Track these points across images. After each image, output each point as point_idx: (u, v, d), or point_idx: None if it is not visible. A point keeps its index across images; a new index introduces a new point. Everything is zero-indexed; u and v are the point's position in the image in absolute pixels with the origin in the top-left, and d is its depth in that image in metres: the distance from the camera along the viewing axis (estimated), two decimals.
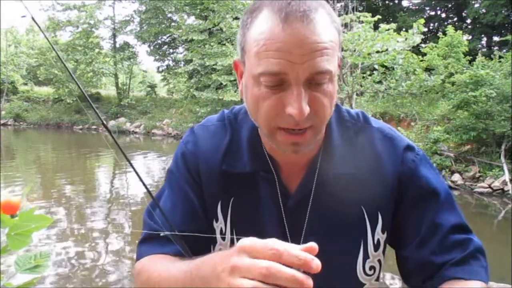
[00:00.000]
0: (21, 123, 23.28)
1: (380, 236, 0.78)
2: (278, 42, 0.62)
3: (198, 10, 20.03)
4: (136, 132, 20.99)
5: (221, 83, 17.42)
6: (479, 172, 9.31)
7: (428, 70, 12.04)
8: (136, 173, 0.77)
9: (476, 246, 0.74)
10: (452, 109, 9.93)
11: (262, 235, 0.72)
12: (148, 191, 0.76)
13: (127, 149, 16.45)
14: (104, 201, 7.96)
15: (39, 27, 0.84)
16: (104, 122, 0.82)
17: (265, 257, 0.50)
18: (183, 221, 0.79)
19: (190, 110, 19.97)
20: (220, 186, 0.80)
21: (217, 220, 0.81)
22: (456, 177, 9.26)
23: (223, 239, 0.81)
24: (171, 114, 21.58)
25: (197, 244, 0.76)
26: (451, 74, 11.43)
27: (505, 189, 8.62)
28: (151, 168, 12.14)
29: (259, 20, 0.65)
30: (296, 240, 0.76)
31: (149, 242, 0.81)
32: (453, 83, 10.56)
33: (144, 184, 0.76)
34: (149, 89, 25.59)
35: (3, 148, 15.30)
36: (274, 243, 0.51)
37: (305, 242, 0.70)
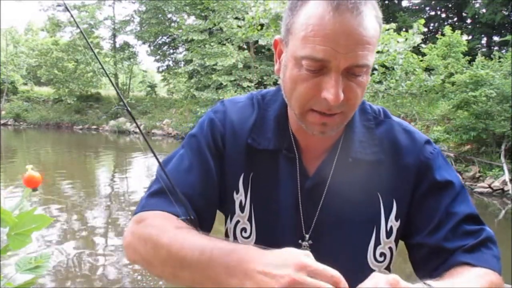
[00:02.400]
0: (21, 123, 23.28)
1: (394, 223, 0.80)
2: (326, 30, 0.64)
3: (198, 10, 20.03)
4: (136, 132, 20.98)
5: (221, 83, 17.42)
6: (479, 172, 9.31)
7: (428, 70, 12.05)
8: (169, 179, 0.78)
9: (489, 236, 0.76)
10: (452, 109, 9.94)
11: (277, 213, 0.80)
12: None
13: (127, 149, 16.46)
14: (104, 201, 7.97)
15: (76, 22, 0.86)
16: (140, 127, 0.91)
17: (325, 281, 0.51)
18: (198, 182, 0.79)
19: (190, 110, 19.97)
20: (244, 159, 0.82)
21: (237, 192, 0.82)
22: None
23: (242, 211, 0.82)
24: (171, 114, 21.58)
25: (207, 210, 0.79)
26: (451, 74, 11.43)
27: (505, 189, 8.62)
28: (151, 168, 12.14)
29: (310, 5, 0.67)
30: (309, 221, 0.79)
31: (157, 196, 0.77)
32: (453, 83, 10.56)
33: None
34: (149, 89, 25.60)
35: (3, 148, 15.30)
36: (333, 271, 0.53)
37: (318, 223, 0.79)
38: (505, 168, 8.85)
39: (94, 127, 22.29)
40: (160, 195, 0.77)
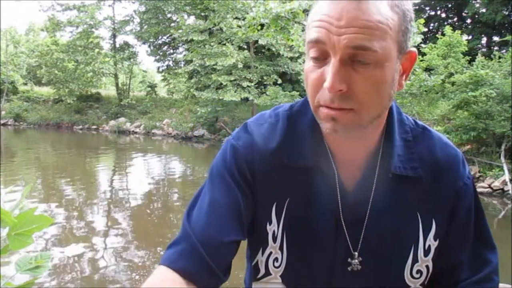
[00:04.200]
0: (21, 123, 23.28)
1: (432, 242, 0.78)
2: (321, 14, 0.64)
3: (198, 10, 20.03)
4: (136, 132, 20.99)
5: (221, 83, 17.42)
6: (479, 172, 9.31)
7: (428, 70, 12.05)
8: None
9: (494, 268, 0.80)
10: (452, 109, 9.94)
11: (314, 233, 0.76)
12: None
13: (127, 149, 16.46)
14: (104, 201, 7.97)
15: None
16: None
17: None
18: (221, 223, 0.73)
19: (190, 110, 19.97)
20: (277, 184, 0.76)
21: (270, 223, 0.77)
22: None
23: (274, 241, 0.78)
24: (171, 114, 21.59)
25: (229, 251, 0.74)
26: (451, 74, 11.43)
27: (505, 189, 8.62)
28: (151, 168, 12.14)
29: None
30: (355, 239, 0.76)
31: (175, 246, 0.73)
32: (453, 83, 10.56)
33: None
34: (149, 89, 25.60)
35: (3, 148, 15.30)
36: None
37: (364, 241, 0.75)
38: (505, 168, 8.85)
39: (94, 127, 22.29)
40: (174, 245, 0.73)
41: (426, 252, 0.78)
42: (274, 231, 0.77)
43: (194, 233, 0.72)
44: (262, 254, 0.79)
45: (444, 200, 0.77)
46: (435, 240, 0.78)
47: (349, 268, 0.75)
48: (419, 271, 0.79)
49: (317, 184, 0.75)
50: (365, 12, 0.62)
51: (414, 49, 0.69)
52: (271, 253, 0.78)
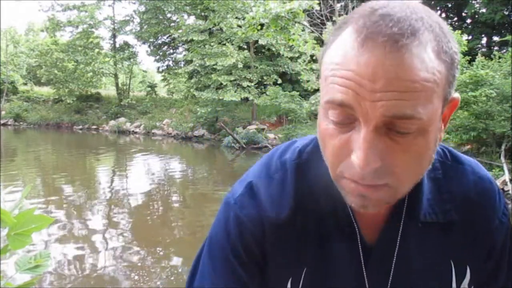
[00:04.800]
0: (21, 123, 23.29)
1: None
2: (347, 69, 0.49)
3: (198, 10, 20.04)
4: (136, 132, 20.99)
5: (221, 83, 17.43)
6: None
7: None
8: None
9: None
10: None
11: None
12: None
13: (127, 149, 16.46)
14: (104, 201, 7.97)
15: None
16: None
17: None
18: None
19: (190, 110, 19.98)
20: (292, 255, 0.65)
21: None
22: None
23: None
24: (171, 114, 21.60)
25: None
26: None
27: (505, 189, 8.62)
28: (151, 168, 12.14)
29: (339, 38, 0.53)
30: None
31: None
32: None
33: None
34: (149, 89, 25.62)
35: (3, 148, 15.30)
36: None
37: None
38: (505, 168, 8.86)
39: (94, 127, 22.30)
40: None
41: None
42: None
43: None
44: None
45: (479, 244, 0.69)
46: (469, 287, 0.70)
47: None
48: None
49: (337, 247, 0.65)
50: (408, 69, 0.48)
51: (457, 95, 0.57)
52: None
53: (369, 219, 0.65)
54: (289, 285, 0.66)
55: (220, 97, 16.97)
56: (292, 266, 0.66)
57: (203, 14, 19.93)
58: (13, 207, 1.02)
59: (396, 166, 0.52)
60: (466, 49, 12.83)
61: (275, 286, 0.67)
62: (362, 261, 0.65)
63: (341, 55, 0.51)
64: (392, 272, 0.66)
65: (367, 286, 0.66)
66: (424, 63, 0.48)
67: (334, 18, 12.33)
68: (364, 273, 0.66)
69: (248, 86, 17.45)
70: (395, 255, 0.65)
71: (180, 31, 20.23)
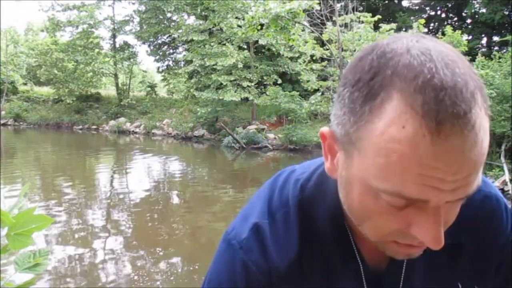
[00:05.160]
0: (21, 123, 23.29)
1: None
2: (425, 162, 0.43)
3: (198, 10, 20.03)
4: (136, 132, 20.99)
5: (221, 83, 17.42)
6: None
7: None
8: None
9: None
10: None
11: None
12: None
13: (127, 149, 16.46)
14: (104, 201, 7.96)
15: None
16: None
17: None
18: None
19: (190, 110, 19.97)
20: None
21: None
22: None
23: None
24: (171, 114, 21.60)
25: None
26: None
27: (505, 189, 8.61)
28: (151, 168, 12.13)
29: (388, 116, 0.44)
30: None
31: None
32: None
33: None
34: (149, 89, 25.61)
35: (3, 148, 15.30)
36: None
37: None
38: (505, 168, 8.86)
39: (94, 127, 22.30)
40: None
41: None
42: None
43: None
44: None
45: (487, 263, 0.67)
46: None
47: None
48: None
49: (340, 280, 0.63)
50: (480, 147, 0.43)
51: None
52: None
53: (375, 252, 0.62)
54: None
55: (220, 97, 16.97)
56: None
57: (203, 14, 19.93)
58: (12, 206, 1.02)
59: (448, 223, 0.50)
60: (466, 49, 12.84)
61: None
62: None
63: (409, 145, 0.42)
64: None
65: None
66: (487, 130, 0.44)
67: (334, 18, 12.33)
68: None
69: (248, 86, 17.45)
70: (401, 282, 0.63)
71: (180, 31, 20.24)
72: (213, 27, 18.22)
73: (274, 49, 17.20)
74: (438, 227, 0.46)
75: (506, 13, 17.36)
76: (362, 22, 12.01)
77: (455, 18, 21.88)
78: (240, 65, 17.14)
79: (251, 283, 0.61)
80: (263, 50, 18.70)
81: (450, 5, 21.52)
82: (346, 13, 12.46)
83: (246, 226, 0.64)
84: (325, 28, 12.45)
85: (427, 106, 0.41)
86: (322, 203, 0.63)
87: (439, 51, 0.44)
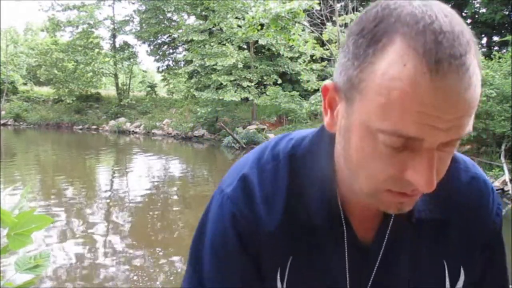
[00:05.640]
0: (21, 123, 23.29)
1: None
2: (423, 99, 0.45)
3: (198, 10, 20.04)
4: (136, 132, 21.00)
5: (221, 83, 17.43)
6: None
7: None
8: None
9: None
10: None
11: None
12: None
13: (127, 149, 16.46)
14: (104, 201, 7.97)
15: None
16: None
17: None
18: None
19: (190, 110, 19.98)
20: (282, 246, 0.65)
21: None
22: None
23: None
24: (171, 114, 21.60)
25: None
26: None
27: (505, 189, 8.62)
28: (151, 168, 12.13)
29: (391, 57, 0.46)
30: None
31: None
32: None
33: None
34: (149, 89, 25.62)
35: (3, 148, 15.30)
36: None
37: None
38: (505, 168, 8.86)
39: (94, 127, 22.31)
40: None
41: None
42: None
43: None
44: None
45: (472, 244, 0.67)
46: None
47: None
48: None
49: (323, 242, 0.65)
50: (474, 90, 0.46)
51: None
52: None
53: (361, 219, 0.65)
54: (278, 275, 0.66)
55: (220, 97, 16.97)
56: (280, 256, 0.65)
57: (203, 14, 19.93)
58: (13, 207, 1.02)
59: (439, 173, 0.52)
60: None
61: (265, 275, 0.66)
62: (346, 259, 0.65)
63: (409, 82, 0.45)
64: (374, 272, 0.65)
65: (348, 282, 0.65)
66: (479, 77, 0.47)
67: (334, 18, 12.33)
68: (347, 273, 0.65)
69: (248, 86, 17.45)
70: (380, 254, 0.64)
71: (180, 31, 20.25)
72: (213, 27, 18.22)
73: (274, 49, 17.20)
74: (431, 170, 0.49)
75: (506, 13, 17.36)
76: None
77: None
78: (240, 65, 17.14)
79: (239, 231, 0.64)
80: (263, 50, 18.71)
81: (450, 5, 21.40)
82: (346, 13, 12.47)
83: (236, 177, 0.66)
84: (325, 28, 12.46)
85: (427, 46, 0.44)
86: (313, 163, 0.64)
87: (438, 4, 0.49)
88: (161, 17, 23.02)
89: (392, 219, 0.64)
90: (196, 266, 0.68)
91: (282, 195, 0.64)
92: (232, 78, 17.39)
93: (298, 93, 15.55)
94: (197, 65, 18.18)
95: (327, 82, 0.57)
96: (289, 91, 15.99)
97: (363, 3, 14.85)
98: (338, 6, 12.43)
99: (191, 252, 0.70)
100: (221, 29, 17.75)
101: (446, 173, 0.62)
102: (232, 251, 0.64)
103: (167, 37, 24.72)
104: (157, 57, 25.45)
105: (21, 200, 1.05)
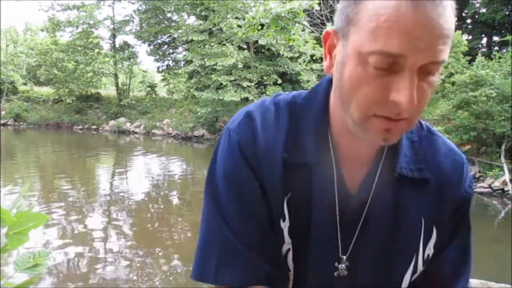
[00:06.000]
0: (21, 123, 23.28)
1: (431, 251, 0.74)
2: (405, 21, 0.54)
3: (198, 10, 20.04)
4: (136, 132, 21.00)
5: (221, 83, 17.42)
6: (479, 172, 9.31)
7: None
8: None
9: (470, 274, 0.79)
10: (452, 109, 9.94)
11: (311, 232, 0.72)
12: None
13: (127, 149, 16.45)
14: (104, 201, 7.96)
15: None
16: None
17: None
18: (263, 231, 0.70)
19: (190, 110, 19.97)
20: (282, 180, 0.71)
21: (284, 219, 0.71)
22: None
23: (290, 236, 0.74)
24: (171, 114, 21.59)
25: (277, 254, 0.72)
26: (451, 74, 11.43)
27: (505, 189, 8.62)
28: (151, 168, 12.14)
29: None
30: (346, 241, 0.72)
31: (230, 266, 0.69)
32: (453, 83, 10.57)
33: None
34: (149, 89, 25.61)
35: (3, 148, 15.30)
36: None
37: (356, 245, 0.71)
38: (505, 168, 8.86)
39: (94, 127, 22.30)
40: (227, 264, 0.70)
41: (425, 262, 0.74)
42: (288, 228, 0.72)
43: (249, 248, 0.69)
44: (280, 252, 0.75)
45: (446, 208, 0.74)
46: (433, 249, 0.74)
47: (335, 273, 0.72)
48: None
49: (316, 181, 0.71)
50: (446, 20, 0.56)
51: None
52: (289, 249, 0.73)
53: (352, 166, 0.72)
54: (285, 205, 0.71)
55: (220, 97, 16.97)
56: (282, 187, 0.71)
57: (203, 14, 19.93)
58: (11, 205, 1.02)
59: (421, 101, 0.59)
60: (466, 49, 12.85)
61: (274, 207, 0.71)
62: (337, 202, 0.70)
63: (393, 8, 0.55)
64: (362, 217, 0.70)
65: (338, 229, 0.71)
66: (451, 14, 0.58)
67: (334, 18, 12.33)
68: (337, 215, 0.71)
69: (248, 86, 17.45)
70: (368, 202, 0.70)
71: (180, 31, 20.24)
72: (213, 27, 18.22)
73: (274, 49, 17.19)
74: (412, 89, 0.57)
75: (506, 13, 17.36)
76: None
77: (455, 18, 21.88)
78: (240, 65, 17.14)
79: (245, 155, 0.70)
80: (263, 50, 18.70)
81: None
82: None
83: (240, 115, 0.74)
84: (325, 28, 12.45)
85: None
86: (310, 110, 0.73)
87: None
88: (161, 17, 23.01)
89: (378, 172, 0.71)
90: (212, 196, 0.73)
91: (282, 135, 0.71)
92: (232, 78, 17.39)
93: None
94: (197, 65, 18.17)
95: (328, 28, 0.67)
96: (289, 91, 15.99)
97: None
98: (338, 6, 12.44)
99: (207, 185, 0.74)
100: (221, 29, 17.74)
101: (426, 142, 0.75)
102: (242, 174, 0.70)
103: (167, 37, 24.71)
104: (157, 57, 25.44)
105: (19, 199, 1.05)
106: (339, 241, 0.71)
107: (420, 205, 0.72)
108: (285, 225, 0.72)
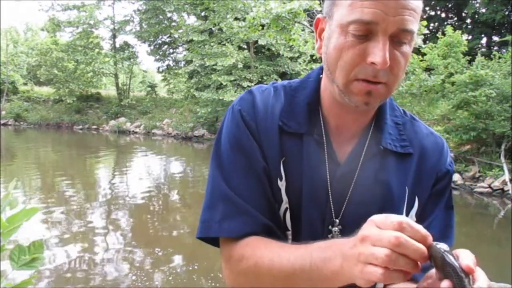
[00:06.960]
0: (21, 123, 23.28)
1: (413, 219, 0.79)
2: None
3: (198, 10, 20.03)
4: (136, 132, 20.99)
5: (221, 83, 17.42)
6: (479, 172, 9.30)
7: (428, 70, 12.04)
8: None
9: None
10: (452, 109, 9.93)
11: (306, 198, 0.79)
12: None
13: (127, 149, 16.44)
14: (104, 201, 7.96)
15: None
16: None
17: (390, 229, 0.55)
18: (259, 185, 0.78)
19: (190, 110, 19.96)
20: (278, 144, 0.80)
21: (281, 179, 0.80)
22: (456, 177, 9.25)
23: (288, 196, 0.81)
24: (171, 114, 21.58)
25: (276, 210, 0.79)
26: (451, 74, 11.42)
27: (505, 189, 8.61)
28: (152, 168, 12.13)
29: None
30: (338, 207, 0.78)
31: (232, 219, 0.76)
32: (453, 83, 10.56)
33: None
34: (149, 89, 25.60)
35: (3, 148, 15.29)
36: (399, 217, 0.56)
37: (346, 209, 0.79)
38: (505, 168, 8.85)
39: (94, 127, 22.29)
40: (230, 218, 0.77)
41: None
42: (286, 187, 0.80)
43: (249, 203, 0.76)
44: (278, 211, 0.81)
45: (428, 181, 0.82)
46: (415, 217, 0.80)
47: (329, 236, 0.78)
48: None
49: (308, 150, 0.79)
50: None
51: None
52: (287, 208, 0.80)
53: (341, 138, 0.81)
54: (281, 166, 0.79)
55: (220, 97, 16.96)
56: (279, 151, 0.80)
57: (203, 14, 19.92)
58: (3, 198, 1.03)
59: (395, 68, 0.70)
60: (466, 49, 12.83)
61: (271, 167, 0.80)
62: (328, 170, 0.78)
63: None
64: (352, 185, 0.78)
65: (330, 194, 0.78)
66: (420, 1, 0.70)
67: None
68: (328, 183, 0.78)
69: (248, 86, 17.43)
70: (357, 170, 0.78)
71: (180, 31, 20.22)
72: (213, 27, 18.21)
73: (274, 49, 17.18)
74: (384, 50, 0.67)
75: (506, 13, 17.35)
76: None
77: (455, 18, 21.86)
78: (240, 65, 17.13)
79: (246, 121, 0.81)
80: (263, 50, 18.69)
81: (450, 5, 21.51)
82: None
83: (242, 93, 0.86)
84: None
85: None
86: (304, 90, 0.84)
87: None
88: (161, 17, 23.00)
89: (366, 145, 0.79)
90: (217, 159, 0.82)
91: (279, 107, 0.82)
92: (232, 78, 17.38)
93: None
94: (197, 65, 18.16)
95: (319, 15, 0.79)
96: None
97: None
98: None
99: (213, 152, 0.84)
100: (221, 29, 17.73)
101: (410, 125, 0.86)
102: (243, 136, 0.80)
103: (167, 37, 24.70)
104: (157, 57, 25.42)
105: (9, 192, 1.06)
106: (332, 205, 0.78)
107: (403, 176, 0.81)
108: (282, 184, 0.79)
